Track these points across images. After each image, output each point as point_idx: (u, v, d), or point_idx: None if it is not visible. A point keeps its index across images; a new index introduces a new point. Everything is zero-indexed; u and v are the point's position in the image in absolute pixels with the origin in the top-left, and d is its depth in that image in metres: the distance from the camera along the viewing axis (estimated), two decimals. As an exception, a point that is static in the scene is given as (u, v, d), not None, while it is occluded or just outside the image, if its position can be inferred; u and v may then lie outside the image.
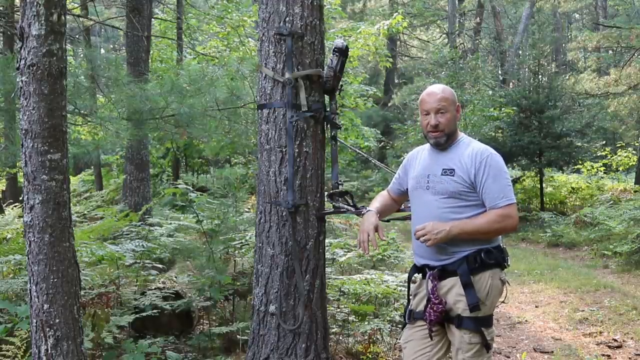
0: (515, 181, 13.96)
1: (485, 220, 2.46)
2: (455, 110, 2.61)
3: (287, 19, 3.21)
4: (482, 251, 2.47)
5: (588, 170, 15.20)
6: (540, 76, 13.95)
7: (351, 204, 3.28)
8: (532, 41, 14.52)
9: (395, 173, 2.95)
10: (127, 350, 3.50)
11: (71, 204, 3.00)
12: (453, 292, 2.49)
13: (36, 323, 2.71)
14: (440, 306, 2.47)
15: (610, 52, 16.81)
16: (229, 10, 10.52)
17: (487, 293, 2.47)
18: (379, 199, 2.91)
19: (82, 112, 4.58)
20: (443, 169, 2.55)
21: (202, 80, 4.76)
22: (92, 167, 14.76)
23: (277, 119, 3.24)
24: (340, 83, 3.35)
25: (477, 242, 2.49)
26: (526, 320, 5.52)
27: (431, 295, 2.49)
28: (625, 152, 15.83)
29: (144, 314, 3.94)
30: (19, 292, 4.05)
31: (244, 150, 12.39)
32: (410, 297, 2.70)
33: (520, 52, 21.20)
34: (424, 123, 2.61)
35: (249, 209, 7.74)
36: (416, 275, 2.69)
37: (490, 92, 14.89)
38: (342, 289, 4.53)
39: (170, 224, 6.23)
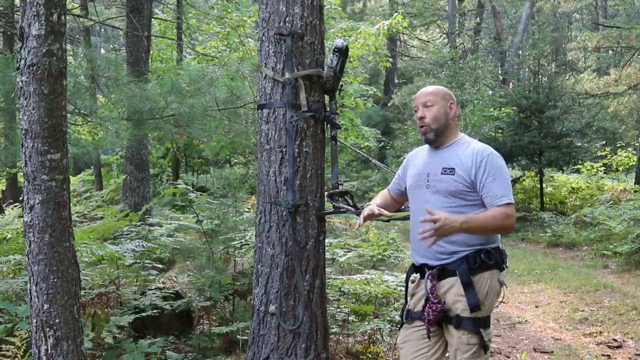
0: (515, 181, 13.96)
1: (488, 216, 2.44)
2: (446, 106, 2.60)
3: (287, 19, 3.22)
4: (482, 252, 2.47)
5: (588, 170, 15.20)
6: (540, 76, 13.96)
7: (351, 204, 3.28)
8: (532, 41, 14.53)
9: (394, 173, 2.95)
10: (127, 350, 3.49)
11: (71, 204, 3.00)
12: (452, 292, 2.48)
13: (36, 323, 2.71)
14: (439, 306, 2.46)
15: (610, 52, 16.81)
16: (229, 10, 10.52)
17: (486, 294, 2.46)
18: (380, 196, 2.94)
19: (82, 112, 4.58)
20: (443, 168, 2.54)
21: (202, 80, 4.76)
22: (92, 167, 14.77)
23: (277, 119, 3.24)
24: (340, 83, 3.35)
25: (476, 243, 2.48)
26: (526, 320, 5.51)
27: (430, 295, 2.48)
28: (625, 152, 15.83)
29: (144, 314, 3.94)
30: (19, 292, 4.05)
31: (244, 150, 12.40)
32: (408, 297, 2.69)
33: (520, 52, 21.22)
34: (416, 120, 2.66)
35: (249, 209, 7.74)
36: (415, 274, 2.68)
37: (490, 92, 14.89)
38: (342, 289, 4.53)
39: (170, 224, 6.23)
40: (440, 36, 26.68)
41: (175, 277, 5.20)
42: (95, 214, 9.53)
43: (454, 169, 2.52)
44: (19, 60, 2.66)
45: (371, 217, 2.73)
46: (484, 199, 2.47)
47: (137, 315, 3.89)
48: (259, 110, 3.37)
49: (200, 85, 4.72)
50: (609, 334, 4.95)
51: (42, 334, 2.70)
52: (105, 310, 3.91)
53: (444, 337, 2.56)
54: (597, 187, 13.89)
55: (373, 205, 2.73)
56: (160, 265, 5.11)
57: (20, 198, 3.25)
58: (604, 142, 17.81)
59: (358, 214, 3.01)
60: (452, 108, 2.63)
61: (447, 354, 2.60)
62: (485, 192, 2.46)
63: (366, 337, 4.17)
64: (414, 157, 2.79)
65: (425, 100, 2.60)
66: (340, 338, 4.22)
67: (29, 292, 2.74)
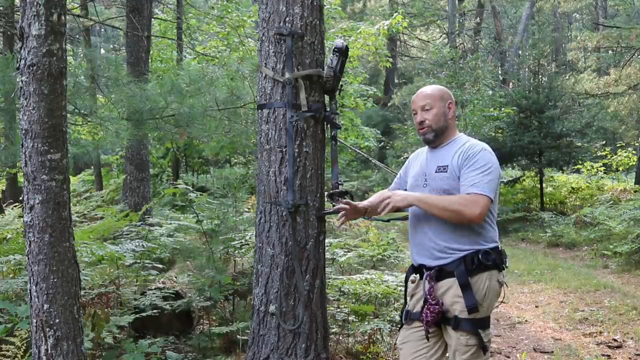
0: (515, 181, 13.97)
1: (447, 198, 2.43)
2: (444, 107, 2.60)
3: (287, 19, 3.21)
4: (480, 252, 2.46)
5: (588, 170, 15.20)
6: (540, 76, 13.96)
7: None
8: (532, 41, 14.53)
9: (394, 173, 2.96)
10: (127, 350, 3.49)
11: (71, 204, 3.00)
12: (450, 293, 2.47)
13: (36, 323, 2.71)
14: (437, 307, 2.46)
15: (610, 52, 16.80)
16: (229, 10, 10.52)
17: (484, 294, 2.46)
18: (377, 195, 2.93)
19: (82, 112, 4.58)
20: (437, 167, 2.55)
21: (202, 80, 4.76)
22: (92, 167, 14.76)
23: (277, 119, 3.24)
24: (340, 83, 3.35)
25: (474, 242, 2.48)
26: (526, 320, 5.51)
27: (428, 296, 2.48)
28: (625, 152, 15.83)
29: (144, 314, 3.94)
30: (19, 292, 4.05)
31: (244, 150, 12.40)
32: (408, 298, 2.69)
33: (520, 52, 21.21)
34: (415, 123, 2.66)
35: (249, 209, 7.73)
36: (414, 275, 2.68)
37: (490, 92, 14.88)
38: (342, 289, 4.53)
39: (170, 224, 6.23)
40: (440, 36, 26.67)
41: (175, 277, 5.20)
42: (95, 214, 9.52)
43: (447, 166, 2.52)
44: (19, 60, 2.66)
45: (348, 214, 2.84)
46: (460, 188, 2.46)
47: (137, 315, 3.89)
48: (259, 110, 3.37)
49: (200, 85, 4.72)
50: (609, 334, 4.95)
51: (42, 334, 2.69)
52: (105, 310, 3.90)
53: (443, 338, 2.55)
54: (597, 187, 13.89)
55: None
56: (160, 265, 5.11)
57: (20, 198, 3.25)
58: (604, 142, 17.80)
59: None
60: (450, 108, 2.62)
61: (447, 355, 2.60)
62: (462, 180, 2.45)
63: (366, 337, 4.17)
64: (414, 159, 2.80)
65: (424, 103, 2.59)
66: (340, 338, 4.22)
67: (29, 292, 2.74)
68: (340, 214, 2.86)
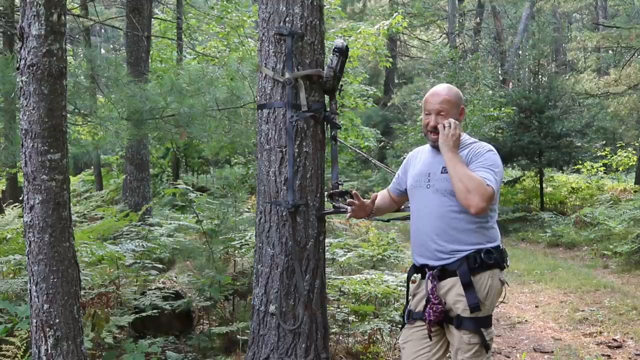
0: (515, 181, 13.97)
1: (471, 174, 2.40)
2: (458, 113, 2.60)
3: (287, 19, 3.21)
4: (482, 251, 2.47)
5: (588, 170, 15.20)
6: (540, 76, 13.96)
7: (351, 204, 3.26)
8: (532, 41, 14.53)
9: (394, 173, 2.95)
10: (127, 350, 3.49)
11: (71, 204, 3.00)
12: (453, 292, 2.48)
13: (36, 323, 2.71)
14: (440, 306, 2.47)
15: (610, 52, 16.81)
16: (229, 10, 10.52)
17: (486, 293, 2.47)
18: (378, 195, 2.93)
19: (82, 112, 4.58)
20: (443, 167, 2.54)
21: (202, 80, 4.77)
22: (92, 167, 14.76)
23: (277, 119, 3.24)
24: (340, 83, 3.35)
25: (476, 242, 2.48)
26: (526, 320, 5.52)
27: (430, 296, 2.49)
28: (625, 152, 15.84)
29: (144, 314, 3.93)
30: (19, 292, 4.05)
31: (244, 150, 12.40)
32: (409, 297, 2.69)
33: (520, 52, 21.20)
34: (425, 122, 2.63)
35: (249, 209, 7.73)
36: (415, 275, 2.68)
37: (490, 92, 14.88)
38: (342, 289, 4.53)
39: (170, 224, 6.23)
40: (440, 36, 26.65)
41: (175, 277, 5.20)
42: (95, 214, 9.51)
43: None
44: (19, 60, 2.66)
45: (356, 211, 2.79)
46: None
47: (137, 315, 3.89)
48: (259, 110, 3.37)
49: (200, 85, 4.73)
50: (609, 334, 4.95)
51: (42, 334, 2.69)
52: (105, 310, 3.90)
53: (446, 337, 2.56)
54: (597, 187, 13.90)
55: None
56: (160, 265, 5.11)
57: (20, 198, 3.25)
58: (604, 142, 17.82)
59: None
60: (461, 114, 2.63)
61: (448, 354, 2.60)
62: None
63: (366, 337, 4.17)
64: (414, 158, 2.79)
65: (440, 109, 2.56)
66: (340, 338, 4.22)
67: (29, 292, 2.74)
68: (349, 210, 2.83)
